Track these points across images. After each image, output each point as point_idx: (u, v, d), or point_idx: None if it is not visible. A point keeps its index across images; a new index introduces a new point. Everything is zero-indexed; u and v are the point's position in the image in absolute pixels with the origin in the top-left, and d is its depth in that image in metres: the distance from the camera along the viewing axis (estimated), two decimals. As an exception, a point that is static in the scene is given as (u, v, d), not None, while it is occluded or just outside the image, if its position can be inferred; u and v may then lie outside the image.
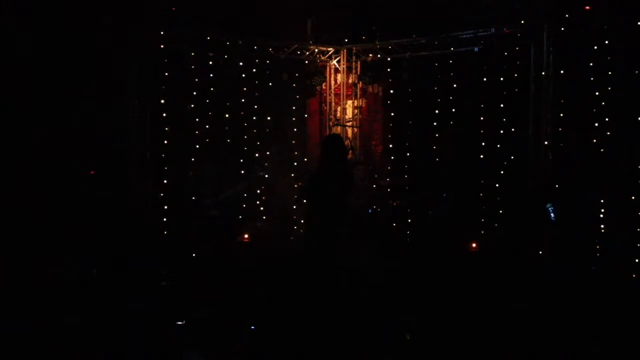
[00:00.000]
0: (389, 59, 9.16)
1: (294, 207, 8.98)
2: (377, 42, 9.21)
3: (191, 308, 5.86)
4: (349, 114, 9.76)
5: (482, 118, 8.35)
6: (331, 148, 6.06)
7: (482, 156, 8.35)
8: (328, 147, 6.08)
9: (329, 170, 5.96)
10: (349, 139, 9.58)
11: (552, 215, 7.30)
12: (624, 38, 7.11)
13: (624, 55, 7.14)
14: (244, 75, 9.00)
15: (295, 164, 9.37)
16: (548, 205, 7.36)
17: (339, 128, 9.61)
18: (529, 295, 6.38)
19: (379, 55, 9.31)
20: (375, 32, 9.23)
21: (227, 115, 8.88)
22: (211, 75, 8.68)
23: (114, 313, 5.72)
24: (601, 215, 7.40)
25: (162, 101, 8.12)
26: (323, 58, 9.58)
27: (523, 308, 6.00)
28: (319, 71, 9.48)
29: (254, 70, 9.07)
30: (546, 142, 7.63)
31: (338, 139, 6.38)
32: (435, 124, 8.77)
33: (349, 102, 9.78)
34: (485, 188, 8.36)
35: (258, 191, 9.31)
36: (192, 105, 8.51)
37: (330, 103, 9.80)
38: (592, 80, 7.39)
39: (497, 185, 8.25)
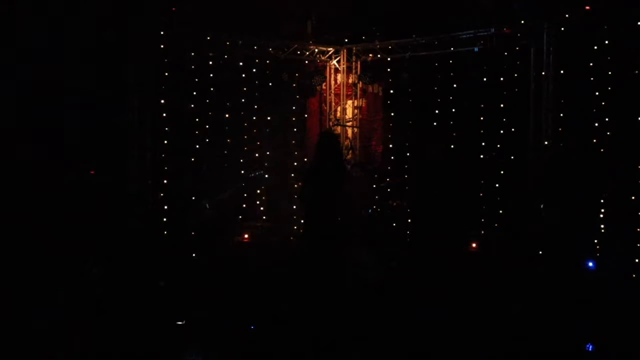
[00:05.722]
0: (389, 59, 9.16)
1: (294, 207, 8.98)
2: (377, 42, 9.21)
3: (191, 308, 5.86)
4: (349, 114, 9.76)
5: (482, 118, 8.35)
6: (325, 146, 6.08)
7: (482, 156, 8.35)
8: (322, 146, 6.10)
9: (322, 168, 5.98)
10: (349, 139, 9.58)
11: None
12: (624, 38, 7.11)
13: (624, 55, 7.14)
14: (244, 75, 9.00)
15: (295, 164, 9.37)
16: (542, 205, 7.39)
17: (339, 128, 9.61)
18: (529, 295, 6.38)
19: (379, 55, 9.31)
20: (375, 32, 9.23)
21: (227, 115, 8.88)
22: (211, 75, 8.67)
23: (114, 313, 5.72)
24: (601, 215, 7.40)
25: (162, 101, 8.12)
26: (323, 58, 9.58)
27: (523, 308, 6.00)
28: (319, 71, 9.48)
29: (254, 70, 9.07)
30: (546, 142, 7.63)
31: (331, 136, 6.38)
32: (435, 124, 8.77)
33: (349, 102, 9.78)
34: (485, 188, 8.36)
35: (258, 191, 9.31)
36: (192, 105, 8.51)
37: (330, 103, 9.80)
38: (592, 80, 7.38)
39: (497, 185, 8.24)
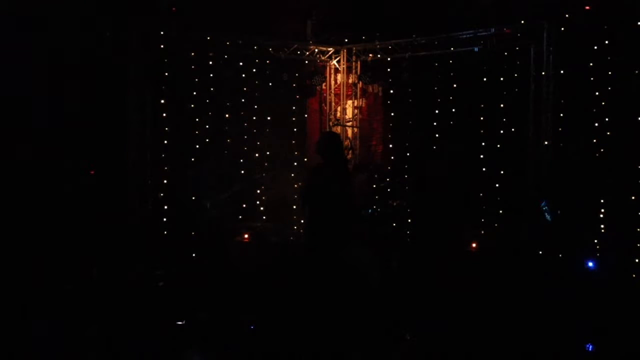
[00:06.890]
0: (389, 59, 9.17)
1: (294, 207, 8.97)
2: (377, 42, 9.22)
3: (191, 308, 5.86)
4: (349, 114, 9.76)
5: (482, 118, 8.35)
6: (330, 146, 6.06)
7: (482, 156, 8.35)
8: (326, 146, 6.08)
9: (328, 169, 5.96)
10: (349, 139, 9.58)
11: (547, 214, 7.28)
12: (624, 38, 7.11)
13: (624, 55, 7.14)
14: (244, 75, 9.00)
15: (295, 163, 9.37)
16: (543, 204, 7.36)
17: (339, 128, 9.61)
18: (529, 295, 6.38)
19: (379, 55, 9.31)
20: (375, 32, 9.23)
21: (227, 115, 8.88)
22: (211, 75, 8.68)
23: (114, 313, 5.73)
24: (601, 215, 7.40)
25: (162, 101, 8.12)
26: (323, 58, 9.58)
27: (522, 308, 6.00)
28: (319, 71, 9.48)
29: (254, 70, 9.07)
30: (546, 142, 7.63)
31: (335, 136, 6.36)
32: (435, 124, 8.77)
33: (349, 102, 9.78)
34: (485, 188, 8.36)
35: (258, 191, 9.31)
36: (192, 105, 8.51)
37: (330, 103, 9.80)
38: (592, 80, 7.39)
39: (497, 185, 8.25)
